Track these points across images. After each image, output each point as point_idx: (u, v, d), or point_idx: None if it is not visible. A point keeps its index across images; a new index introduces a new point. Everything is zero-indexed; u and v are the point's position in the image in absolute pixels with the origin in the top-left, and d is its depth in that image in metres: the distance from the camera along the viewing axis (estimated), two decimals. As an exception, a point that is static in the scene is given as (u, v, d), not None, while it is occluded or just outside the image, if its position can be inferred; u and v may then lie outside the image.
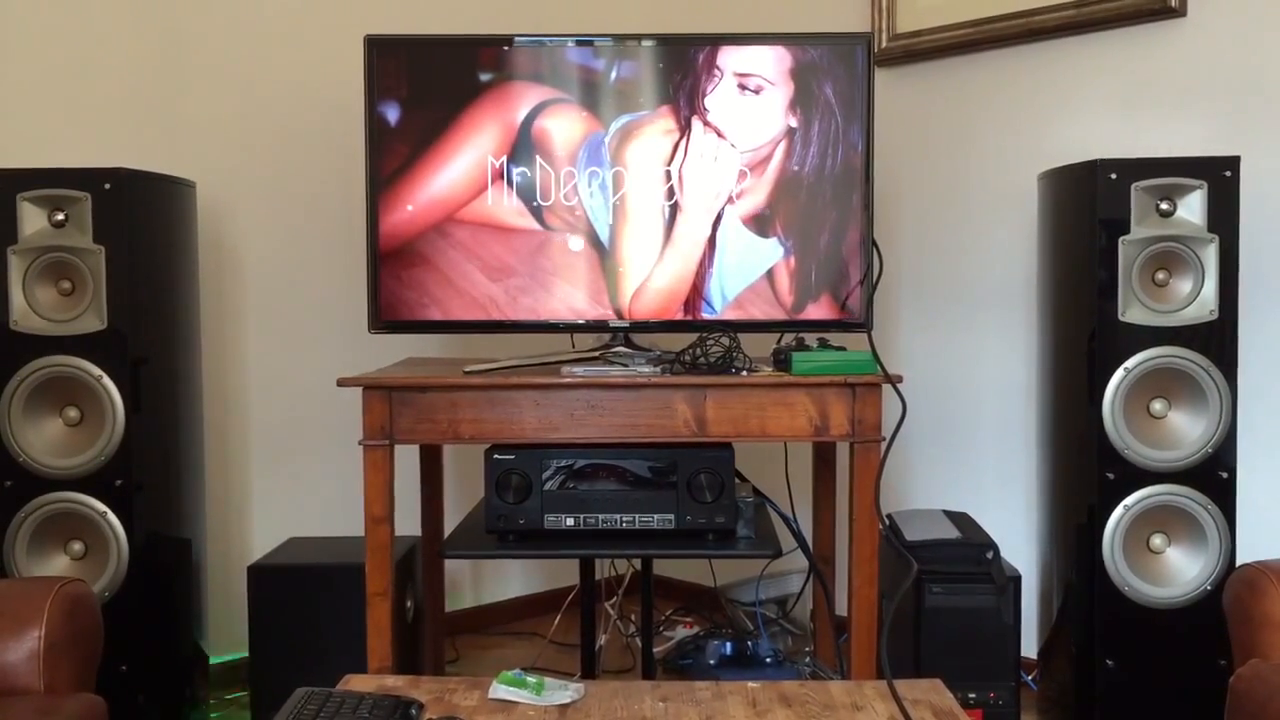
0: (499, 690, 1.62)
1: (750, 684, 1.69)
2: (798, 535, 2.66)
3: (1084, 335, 2.34)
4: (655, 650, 3.06)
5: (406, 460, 2.86)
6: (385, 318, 2.39)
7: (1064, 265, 2.46)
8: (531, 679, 1.64)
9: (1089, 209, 2.32)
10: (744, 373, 2.24)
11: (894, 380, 2.18)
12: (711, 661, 2.78)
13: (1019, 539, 2.87)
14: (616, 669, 3.00)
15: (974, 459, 2.99)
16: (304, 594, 2.53)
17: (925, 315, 3.10)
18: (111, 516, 2.26)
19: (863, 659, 2.20)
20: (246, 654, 2.53)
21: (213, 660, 2.77)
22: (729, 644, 2.80)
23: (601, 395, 2.21)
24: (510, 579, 3.49)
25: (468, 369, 2.31)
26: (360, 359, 2.88)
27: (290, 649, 2.53)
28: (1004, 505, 2.93)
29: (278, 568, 2.56)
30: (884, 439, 2.20)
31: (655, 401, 2.21)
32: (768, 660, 2.78)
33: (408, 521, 2.81)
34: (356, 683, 1.66)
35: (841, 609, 3.06)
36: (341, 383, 2.20)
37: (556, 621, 3.30)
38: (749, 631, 2.93)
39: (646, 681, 1.71)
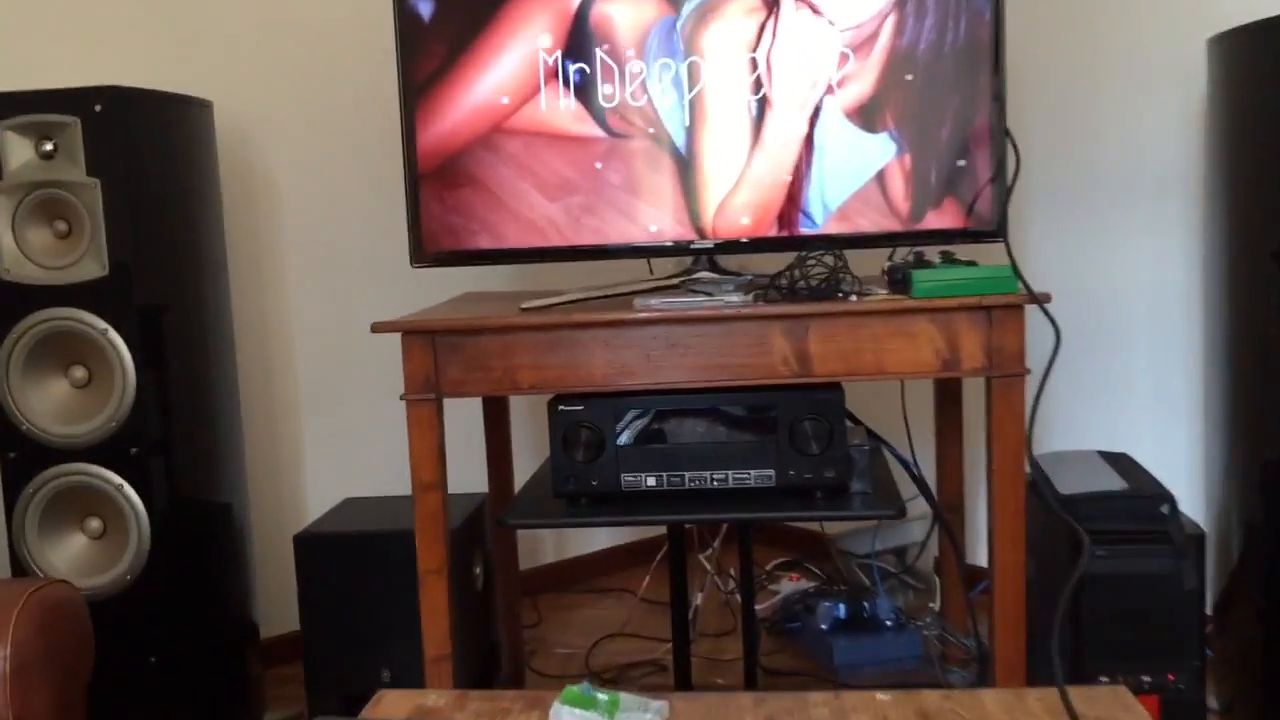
0: (562, 714, 1.29)
1: (880, 695, 1.34)
2: (919, 480, 2.28)
3: (1277, 232, 1.91)
4: (759, 609, 2.73)
5: (470, 408, 2.55)
6: (429, 249, 2.05)
7: (1247, 148, 2.01)
8: (603, 696, 1.31)
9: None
10: (853, 297, 1.86)
11: (1041, 300, 1.78)
12: (823, 626, 2.43)
13: (1180, 478, 2.46)
14: (715, 631, 2.67)
15: (1124, 386, 2.57)
16: (358, 563, 2.24)
17: (1059, 216, 2.66)
18: (128, 489, 1.98)
19: (1008, 640, 1.82)
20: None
21: (269, 635, 2.51)
22: (842, 605, 2.45)
23: (682, 331, 1.85)
24: (596, 531, 3.17)
25: (525, 305, 1.97)
26: (414, 296, 2.56)
27: (346, 622, 2.24)
28: (1162, 439, 2.51)
29: (326, 537, 2.27)
30: (1028, 372, 1.80)
31: (747, 336, 1.84)
32: (887, 624, 2.43)
33: (476, 475, 2.50)
34: (390, 704, 1.34)
35: (972, 558, 2.71)
36: (376, 328, 1.87)
37: (648, 579, 2.99)
38: (865, 588, 2.57)
39: (747, 694, 1.37)
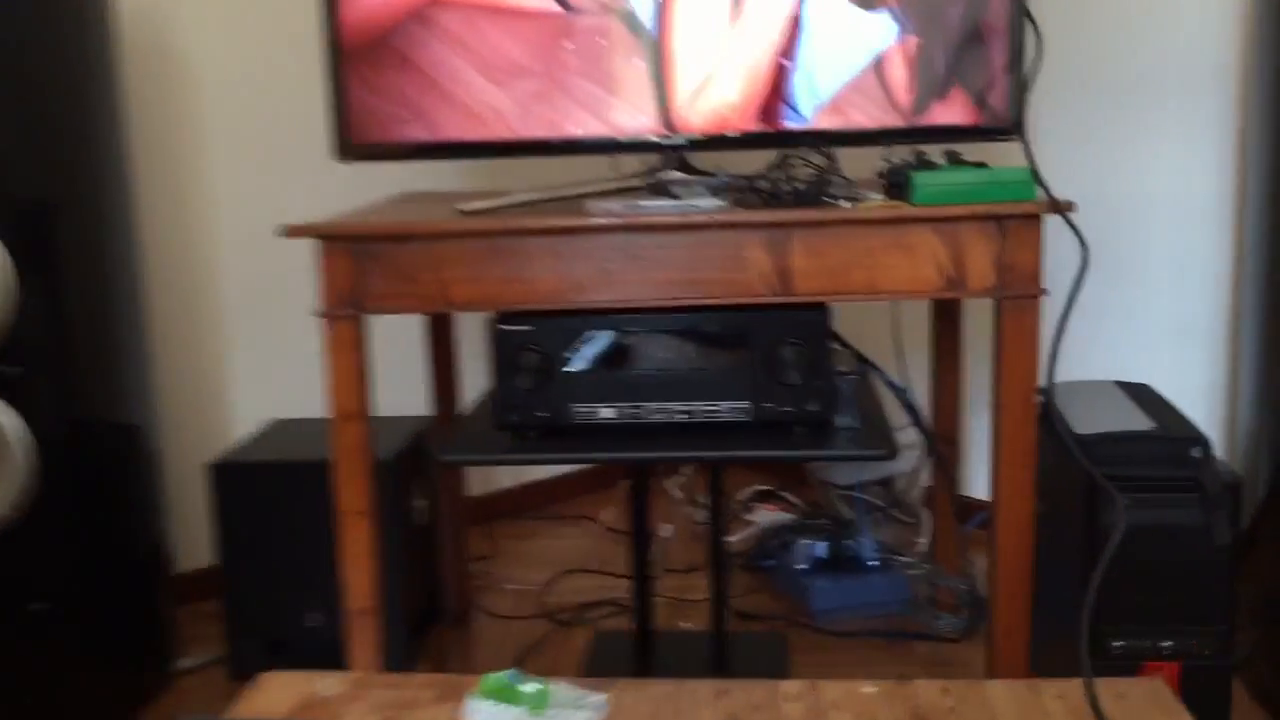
0: (478, 711, 1.05)
1: (865, 688, 1.11)
2: (912, 409, 2.05)
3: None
4: (732, 540, 2.51)
5: (412, 320, 2.29)
6: (355, 140, 1.77)
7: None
8: (530, 688, 1.07)
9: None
10: (843, 203, 1.59)
11: (1064, 209, 1.52)
12: (801, 566, 2.21)
13: (1199, 409, 2.23)
14: (684, 566, 2.46)
15: (1141, 304, 2.32)
16: (283, 494, 2.00)
17: (1073, 113, 2.38)
18: (7, 413, 1.72)
19: (1012, 605, 1.59)
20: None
21: (188, 569, 2.28)
22: (822, 544, 2.23)
23: (645, 241, 1.58)
24: (558, 452, 2.93)
25: (462, 207, 1.70)
26: (354, 192, 2.27)
27: (269, 558, 2.02)
28: (1181, 366, 2.28)
29: (246, 466, 2.02)
30: (1045, 293, 1.55)
31: (720, 248, 1.58)
32: (871, 564, 2.21)
33: (420, 397, 2.26)
34: (273, 691, 1.10)
35: (968, 488, 2.49)
36: (291, 232, 1.60)
37: (613, 507, 2.76)
38: (848, 524, 2.35)
39: (706, 684, 1.14)
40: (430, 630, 2.23)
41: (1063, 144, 2.38)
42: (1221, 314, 2.23)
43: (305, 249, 2.32)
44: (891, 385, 2.01)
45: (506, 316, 1.63)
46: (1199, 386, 2.25)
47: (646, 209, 1.58)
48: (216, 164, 2.37)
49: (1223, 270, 2.22)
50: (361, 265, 1.60)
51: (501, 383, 1.64)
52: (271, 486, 2.01)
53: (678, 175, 1.75)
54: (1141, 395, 1.76)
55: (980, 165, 1.65)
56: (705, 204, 1.58)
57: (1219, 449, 2.08)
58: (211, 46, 2.33)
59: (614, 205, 1.61)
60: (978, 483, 2.54)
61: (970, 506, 2.52)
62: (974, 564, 2.24)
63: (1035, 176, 1.53)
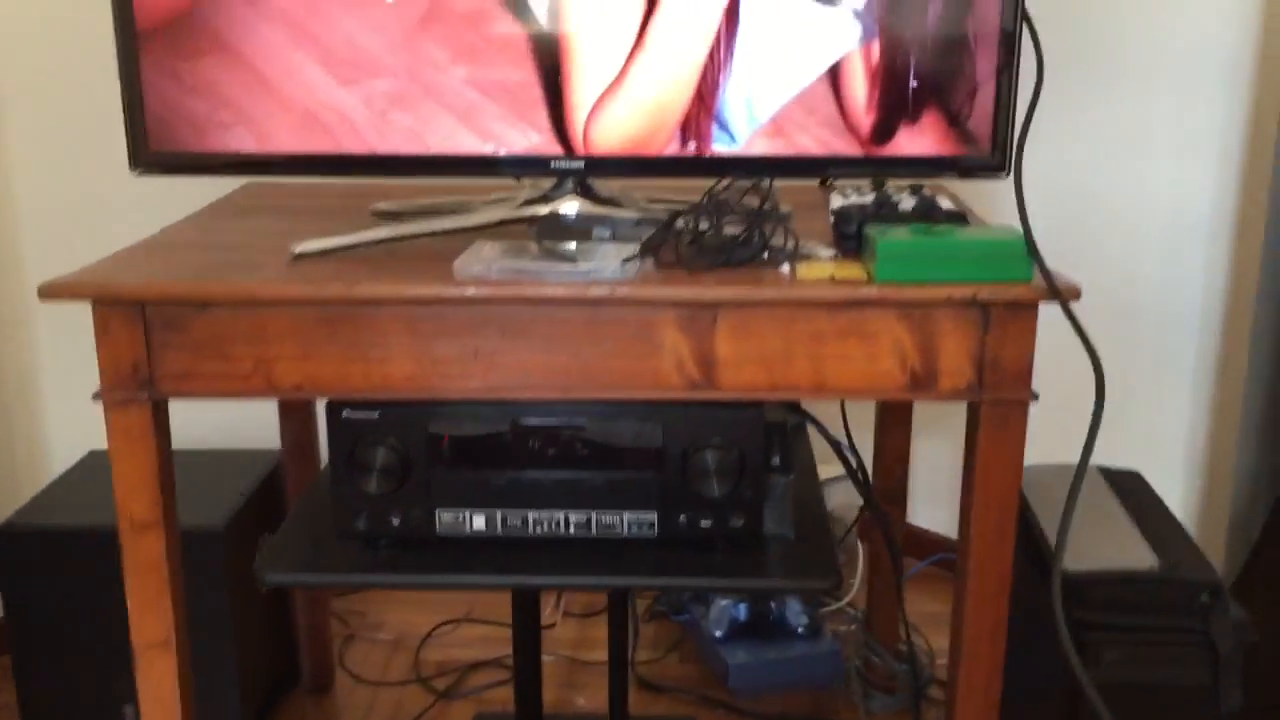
0: None
1: None
2: (850, 465, 1.73)
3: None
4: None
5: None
6: (157, 146, 1.37)
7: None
8: None
9: None
10: (784, 268, 1.24)
11: (1067, 296, 1.18)
12: (718, 633, 1.90)
13: (1178, 444, 1.95)
14: (584, 610, 2.14)
15: (1121, 330, 2.00)
16: (86, 563, 1.64)
17: (1046, 101, 2.01)
18: None
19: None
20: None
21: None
22: (743, 605, 1.92)
23: (529, 314, 1.22)
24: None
25: (296, 249, 1.31)
26: (182, 192, 1.86)
27: (74, 636, 1.67)
28: (1163, 391, 1.98)
29: (37, 533, 1.65)
30: (1035, 398, 1.22)
31: (626, 325, 1.22)
32: (799, 631, 1.91)
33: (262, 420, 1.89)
34: None
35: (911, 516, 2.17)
36: (45, 293, 1.20)
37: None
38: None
39: None
40: (285, 698, 1.90)
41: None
42: (1213, 343, 1.94)
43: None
44: (829, 438, 1.68)
45: (348, 401, 1.27)
46: (1179, 406, 1.96)
47: (529, 273, 1.21)
48: (10, 147, 1.93)
49: (1217, 290, 1.92)
50: (153, 335, 1.22)
51: (343, 482, 1.28)
52: (74, 553, 1.64)
53: (576, 206, 1.38)
54: (1134, 497, 1.45)
55: (957, 216, 1.31)
56: (607, 267, 1.21)
57: (1197, 491, 1.83)
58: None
59: (490, 256, 1.23)
60: (925, 511, 2.26)
61: (919, 540, 2.26)
62: (917, 630, 1.96)
63: (1031, 246, 1.19)
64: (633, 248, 1.27)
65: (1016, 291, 1.18)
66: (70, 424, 2.07)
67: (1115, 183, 1.97)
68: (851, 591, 2.15)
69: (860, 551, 2.17)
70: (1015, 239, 1.19)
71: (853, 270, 1.23)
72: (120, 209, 1.98)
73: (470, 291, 1.19)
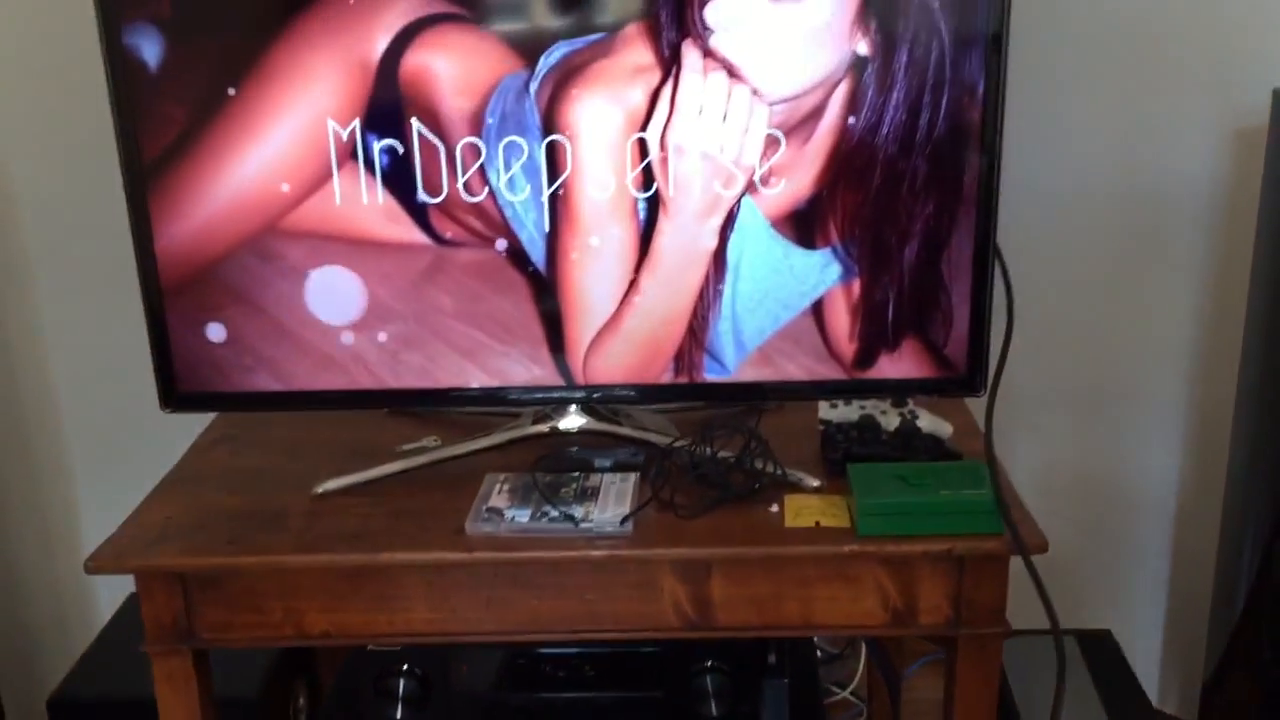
0: None
1: None
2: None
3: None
4: None
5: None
6: (185, 388, 1.46)
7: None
8: None
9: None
10: (774, 506, 1.34)
11: (1030, 550, 1.27)
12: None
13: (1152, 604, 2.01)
14: None
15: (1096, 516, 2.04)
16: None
17: (1021, 232, 2.03)
18: None
19: None
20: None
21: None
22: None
23: (535, 567, 1.32)
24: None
25: (317, 489, 1.41)
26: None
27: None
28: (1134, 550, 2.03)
29: (84, 703, 1.75)
30: (1010, 633, 1.31)
31: (627, 573, 1.32)
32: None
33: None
34: None
35: None
36: (91, 569, 1.30)
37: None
38: None
39: None
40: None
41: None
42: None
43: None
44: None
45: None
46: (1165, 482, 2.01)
47: (537, 531, 1.31)
48: (45, 284, 2.01)
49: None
50: (191, 593, 1.32)
51: (367, 708, 1.39)
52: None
53: (580, 422, 1.47)
54: (1102, 663, 1.55)
55: (936, 444, 1.41)
56: (608, 523, 1.31)
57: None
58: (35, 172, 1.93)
59: (499, 503, 1.33)
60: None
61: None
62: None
63: (1000, 502, 1.28)
64: (632, 481, 1.37)
65: (988, 547, 1.27)
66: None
67: (1083, 306, 2.03)
68: (852, 683, 2.23)
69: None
70: (985, 498, 1.28)
71: (837, 514, 1.32)
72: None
73: (481, 555, 1.29)
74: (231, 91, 1.33)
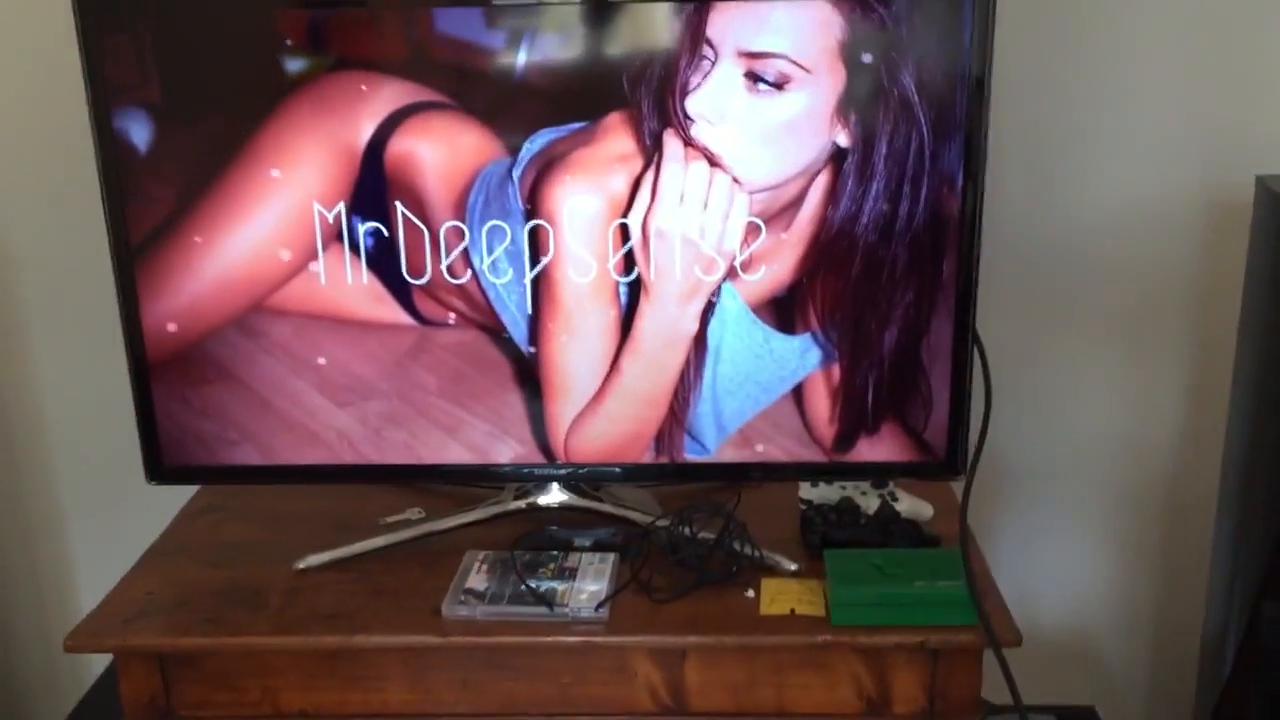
0: None
1: None
2: None
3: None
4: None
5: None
6: (171, 462, 1.47)
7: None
8: None
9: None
10: (750, 591, 1.34)
11: (1003, 644, 1.27)
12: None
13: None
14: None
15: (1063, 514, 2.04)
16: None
17: (1001, 306, 2.00)
18: None
19: None
20: None
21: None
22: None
23: (510, 649, 1.32)
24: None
25: (299, 564, 1.42)
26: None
27: None
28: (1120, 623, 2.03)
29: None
30: (983, 717, 1.32)
31: (602, 656, 1.32)
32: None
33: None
34: None
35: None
36: (70, 648, 1.31)
37: None
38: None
39: None
40: None
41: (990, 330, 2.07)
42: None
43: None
44: None
45: None
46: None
47: (513, 615, 1.32)
48: (40, 337, 2.02)
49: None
50: (169, 671, 1.33)
51: (347, 787, 1.39)
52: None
53: (561, 498, 1.48)
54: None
55: (913, 529, 1.41)
56: (583, 608, 1.32)
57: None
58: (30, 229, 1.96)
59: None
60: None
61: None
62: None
63: (974, 595, 1.29)
64: (610, 561, 1.38)
65: (961, 639, 1.27)
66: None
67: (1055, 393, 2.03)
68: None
69: None
70: (959, 590, 1.28)
71: (813, 600, 1.33)
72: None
73: (456, 639, 1.29)
74: (219, 174, 1.35)
